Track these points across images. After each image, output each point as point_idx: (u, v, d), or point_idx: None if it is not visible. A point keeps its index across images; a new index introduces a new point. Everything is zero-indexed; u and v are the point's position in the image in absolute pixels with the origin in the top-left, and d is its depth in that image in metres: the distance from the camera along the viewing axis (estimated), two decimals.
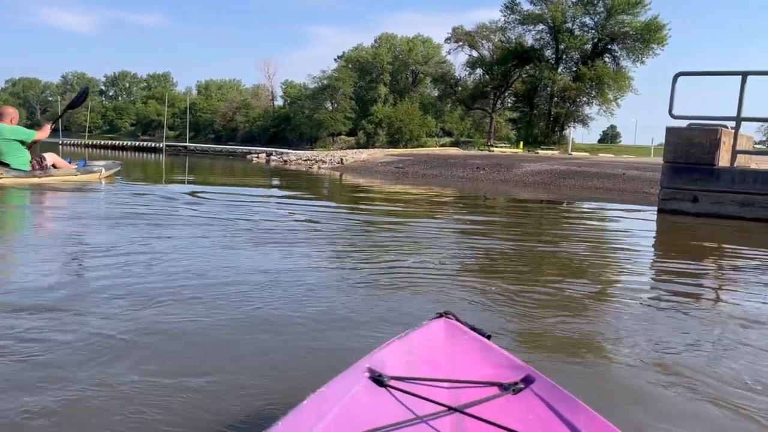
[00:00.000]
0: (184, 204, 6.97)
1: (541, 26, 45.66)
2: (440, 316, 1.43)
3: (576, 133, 43.57)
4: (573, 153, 30.06)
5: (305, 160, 21.67)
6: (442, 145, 44.31)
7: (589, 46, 44.84)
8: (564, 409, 1.09)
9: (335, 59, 66.61)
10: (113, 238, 4.04)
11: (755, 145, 16.57)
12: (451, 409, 1.08)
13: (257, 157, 28.30)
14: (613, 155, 31.57)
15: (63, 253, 3.64)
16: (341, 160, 19.97)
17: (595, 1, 42.75)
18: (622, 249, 5.28)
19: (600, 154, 31.43)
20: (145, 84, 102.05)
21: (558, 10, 43.17)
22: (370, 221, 6.11)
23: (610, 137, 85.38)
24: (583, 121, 47.22)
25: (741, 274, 4.11)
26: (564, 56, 46.22)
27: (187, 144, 47.95)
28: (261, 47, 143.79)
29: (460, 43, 50.51)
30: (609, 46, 44.56)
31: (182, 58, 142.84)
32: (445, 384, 1.20)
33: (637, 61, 43.17)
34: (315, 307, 2.51)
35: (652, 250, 5.39)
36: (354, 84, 60.66)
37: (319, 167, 19.09)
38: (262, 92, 76.53)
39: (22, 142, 7.78)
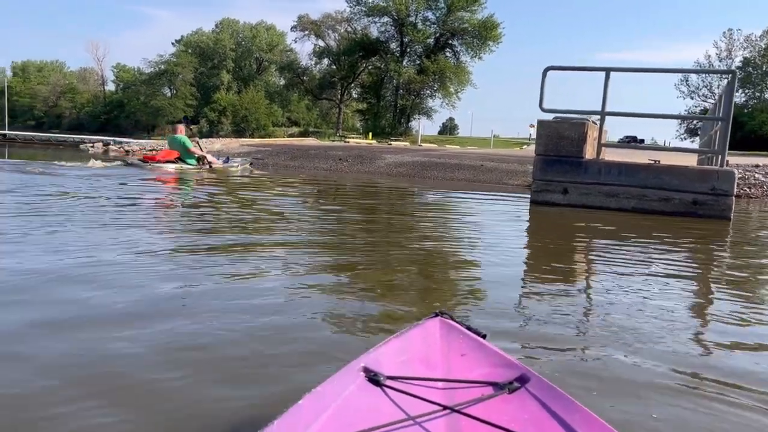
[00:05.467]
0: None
1: (386, 18, 46.55)
2: (436, 315, 1.41)
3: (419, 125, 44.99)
4: (422, 144, 30.87)
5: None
6: (291, 135, 43.66)
7: (431, 41, 46.52)
8: (559, 408, 1.09)
9: (173, 43, 63.28)
10: None
11: None
12: (447, 409, 1.09)
13: (93, 147, 25.76)
14: (459, 146, 32.93)
15: None
16: None
17: None
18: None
19: (447, 146, 32.61)
20: None
21: (402, 3, 44.21)
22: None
23: (449, 129, 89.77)
24: (428, 113, 49.04)
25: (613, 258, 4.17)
26: (408, 49, 47.56)
27: (6, 132, 41.87)
28: (88, 28, 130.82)
29: (306, 32, 50.13)
30: (450, 41, 46.56)
31: None
32: (441, 383, 1.21)
33: (476, 57, 45.63)
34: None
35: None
36: (194, 70, 57.93)
37: None
38: (90, 76, 70.47)
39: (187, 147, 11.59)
